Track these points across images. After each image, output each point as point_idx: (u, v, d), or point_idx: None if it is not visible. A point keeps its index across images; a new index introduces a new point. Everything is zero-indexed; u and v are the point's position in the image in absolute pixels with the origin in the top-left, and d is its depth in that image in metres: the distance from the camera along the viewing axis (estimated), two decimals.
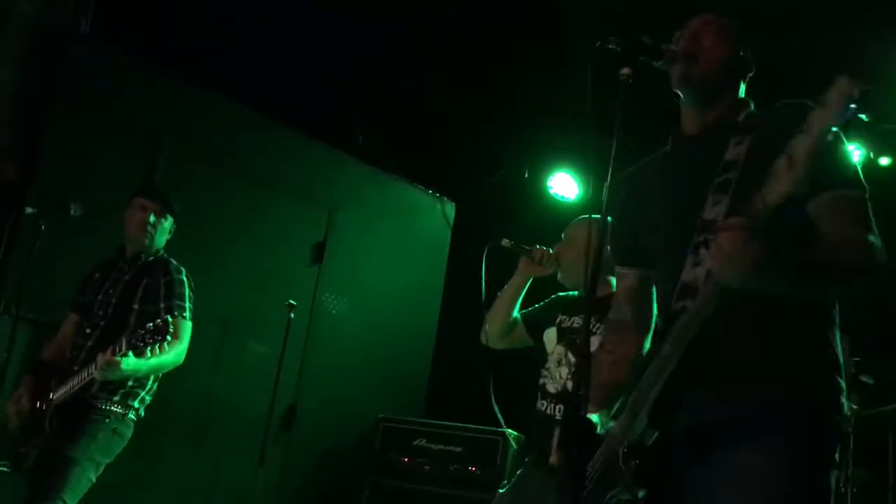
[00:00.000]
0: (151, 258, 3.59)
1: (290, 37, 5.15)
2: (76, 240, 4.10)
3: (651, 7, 3.98)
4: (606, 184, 1.74)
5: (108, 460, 3.40)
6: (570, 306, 3.19)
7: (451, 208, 6.56)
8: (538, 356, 3.20)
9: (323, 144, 5.70)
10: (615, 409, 1.94)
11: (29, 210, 3.35)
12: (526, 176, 6.44)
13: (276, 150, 5.49)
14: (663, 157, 2.08)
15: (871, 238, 1.73)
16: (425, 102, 5.84)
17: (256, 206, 5.34)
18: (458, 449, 4.99)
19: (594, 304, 3.07)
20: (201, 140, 5.10)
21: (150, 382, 3.50)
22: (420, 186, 6.37)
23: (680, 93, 1.98)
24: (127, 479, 4.25)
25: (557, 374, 3.07)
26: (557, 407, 3.02)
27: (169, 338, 3.12)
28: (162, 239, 3.63)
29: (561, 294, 3.27)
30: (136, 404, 3.45)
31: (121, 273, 3.56)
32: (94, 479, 3.35)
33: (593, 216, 3.26)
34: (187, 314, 3.47)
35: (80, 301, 3.62)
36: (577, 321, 3.12)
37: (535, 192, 6.46)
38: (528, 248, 3.18)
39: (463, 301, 6.35)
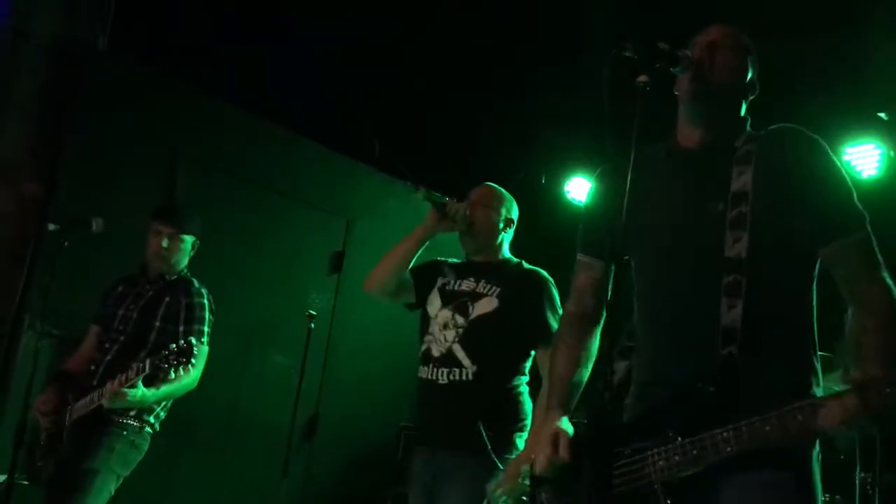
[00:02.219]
0: (174, 277, 3.62)
1: (306, 49, 5.17)
2: (98, 255, 4.13)
3: (666, 11, 3.97)
4: (629, 179, 1.73)
5: (126, 473, 3.42)
6: (451, 270, 3.14)
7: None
8: (421, 320, 3.11)
9: (340, 155, 5.72)
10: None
11: (51, 226, 3.38)
12: (543, 181, 6.44)
13: (294, 162, 5.52)
14: (658, 163, 2.06)
15: (885, 278, 1.85)
16: (441, 110, 5.85)
17: (275, 217, 5.37)
18: None
19: (480, 266, 3.07)
20: (220, 152, 5.13)
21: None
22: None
23: (685, 104, 2.00)
24: (151, 490, 4.28)
25: (442, 338, 2.97)
26: (440, 371, 2.92)
27: (194, 360, 3.14)
28: (183, 259, 3.64)
29: (439, 259, 3.21)
30: (151, 419, 3.47)
31: (143, 289, 3.58)
32: (112, 492, 3.37)
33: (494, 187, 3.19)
34: (205, 339, 3.48)
35: (101, 313, 3.65)
36: (463, 284, 3.05)
37: (552, 197, 6.45)
38: (442, 201, 3.08)
39: None
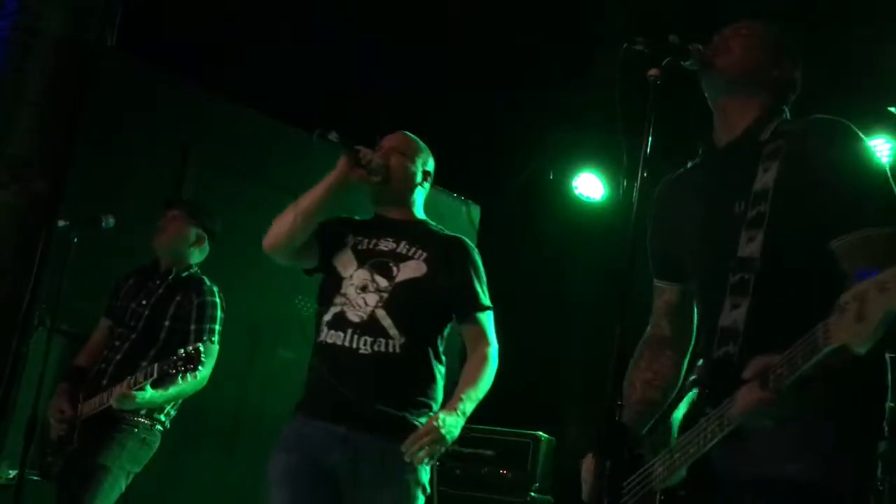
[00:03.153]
0: (185, 273, 3.63)
1: (313, 46, 5.18)
2: (108, 252, 4.15)
3: (677, 6, 3.96)
4: (636, 185, 1.72)
5: (137, 470, 3.44)
6: (360, 227, 2.83)
7: (476, 211, 6.55)
8: (326, 282, 2.75)
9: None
10: (648, 427, 1.98)
11: (61, 223, 3.39)
12: (551, 177, 6.44)
13: (302, 158, 5.51)
14: (696, 169, 2.05)
15: None
16: (449, 105, 5.84)
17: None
18: (489, 452, 4.98)
19: (396, 224, 2.77)
20: (229, 150, 5.14)
21: None
22: (445, 190, 6.37)
23: (707, 97, 1.97)
24: (161, 487, 4.29)
25: (362, 301, 2.62)
26: (362, 339, 2.57)
27: (201, 367, 3.15)
28: (191, 253, 3.66)
29: (344, 215, 2.89)
30: (161, 417, 3.49)
31: (153, 284, 3.60)
32: (123, 489, 3.40)
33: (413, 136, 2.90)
34: (216, 337, 3.49)
35: (112, 306, 3.66)
36: (380, 243, 2.73)
37: (561, 193, 6.45)
38: (357, 147, 2.71)
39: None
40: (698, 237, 1.94)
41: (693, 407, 1.83)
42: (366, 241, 2.76)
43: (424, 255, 2.69)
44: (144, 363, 3.34)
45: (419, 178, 2.85)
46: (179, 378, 3.14)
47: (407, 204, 2.84)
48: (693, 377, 1.98)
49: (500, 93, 5.66)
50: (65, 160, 4.30)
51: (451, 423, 2.53)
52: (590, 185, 6.33)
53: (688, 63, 1.84)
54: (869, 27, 4.34)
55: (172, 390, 3.30)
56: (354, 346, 2.58)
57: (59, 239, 3.46)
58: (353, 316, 2.61)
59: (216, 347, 3.49)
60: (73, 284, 3.70)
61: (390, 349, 2.57)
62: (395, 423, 2.53)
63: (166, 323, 3.49)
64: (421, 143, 2.93)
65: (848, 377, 1.54)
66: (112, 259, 4.14)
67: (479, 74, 5.52)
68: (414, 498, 2.54)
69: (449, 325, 2.77)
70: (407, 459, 2.45)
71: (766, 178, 1.80)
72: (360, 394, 2.55)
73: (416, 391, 2.62)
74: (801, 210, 1.75)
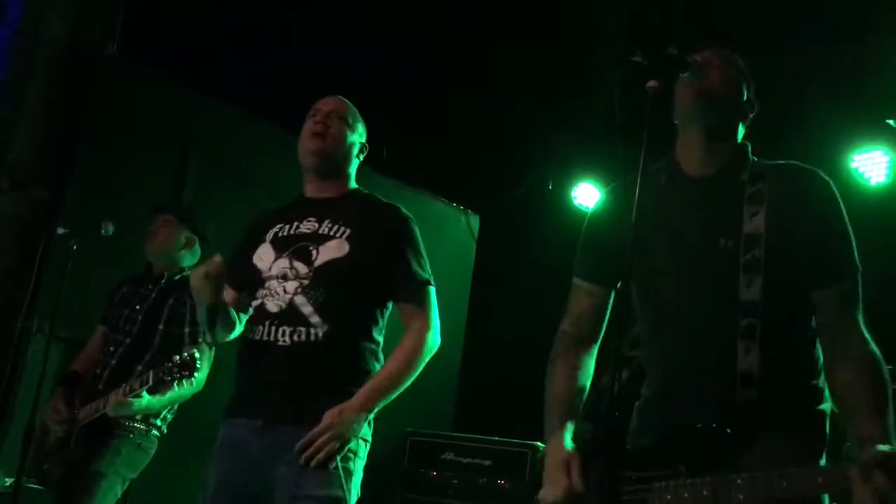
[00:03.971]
0: (177, 277, 3.63)
1: (313, 47, 5.20)
2: (108, 258, 4.15)
3: (675, 19, 3.97)
4: (638, 185, 1.74)
5: (134, 475, 3.44)
6: (282, 215, 2.63)
7: (475, 221, 6.57)
8: (250, 281, 2.54)
9: None
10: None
11: (61, 230, 3.40)
12: (550, 187, 6.45)
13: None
14: (659, 187, 2.05)
15: (864, 332, 1.88)
16: (449, 115, 5.86)
17: None
18: (487, 462, 4.98)
19: (322, 203, 2.61)
20: (230, 157, 5.15)
21: None
22: (444, 199, 6.39)
23: (686, 112, 1.99)
24: (159, 493, 4.28)
25: (281, 290, 2.42)
26: (281, 329, 2.38)
27: (196, 374, 3.14)
28: (182, 257, 3.67)
29: (257, 216, 2.75)
30: (157, 422, 3.48)
31: (146, 290, 3.60)
32: (119, 495, 3.39)
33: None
34: None
35: (106, 313, 3.67)
36: (302, 225, 2.54)
37: (560, 204, 6.46)
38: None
39: (489, 313, 6.38)
40: (681, 265, 1.97)
41: (703, 440, 1.82)
42: (287, 227, 2.57)
43: (348, 232, 2.47)
44: (140, 368, 3.34)
45: (356, 150, 2.69)
46: (175, 385, 3.14)
47: (342, 176, 2.66)
48: (686, 402, 1.95)
49: (500, 103, 5.67)
50: (66, 167, 4.31)
51: (352, 420, 2.34)
52: (589, 195, 6.35)
53: (686, 75, 1.86)
54: (868, 39, 4.35)
55: (168, 396, 3.29)
56: (272, 338, 2.39)
57: (58, 245, 3.48)
58: (272, 306, 2.42)
59: (212, 350, 3.49)
60: (72, 291, 3.71)
61: (311, 338, 2.37)
62: (317, 415, 2.31)
63: (160, 327, 3.49)
64: (357, 111, 2.72)
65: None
66: (112, 265, 4.14)
67: (478, 84, 5.53)
68: (343, 486, 2.36)
69: (388, 305, 2.56)
70: (301, 462, 2.27)
71: (755, 222, 1.90)
72: (280, 388, 2.37)
73: (341, 380, 2.40)
74: (792, 258, 1.89)
